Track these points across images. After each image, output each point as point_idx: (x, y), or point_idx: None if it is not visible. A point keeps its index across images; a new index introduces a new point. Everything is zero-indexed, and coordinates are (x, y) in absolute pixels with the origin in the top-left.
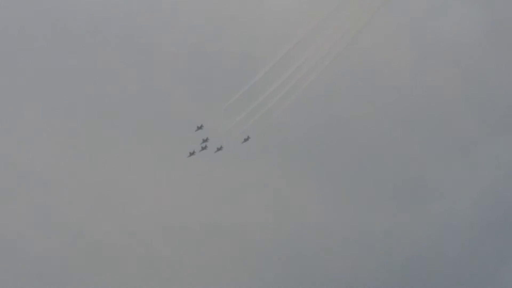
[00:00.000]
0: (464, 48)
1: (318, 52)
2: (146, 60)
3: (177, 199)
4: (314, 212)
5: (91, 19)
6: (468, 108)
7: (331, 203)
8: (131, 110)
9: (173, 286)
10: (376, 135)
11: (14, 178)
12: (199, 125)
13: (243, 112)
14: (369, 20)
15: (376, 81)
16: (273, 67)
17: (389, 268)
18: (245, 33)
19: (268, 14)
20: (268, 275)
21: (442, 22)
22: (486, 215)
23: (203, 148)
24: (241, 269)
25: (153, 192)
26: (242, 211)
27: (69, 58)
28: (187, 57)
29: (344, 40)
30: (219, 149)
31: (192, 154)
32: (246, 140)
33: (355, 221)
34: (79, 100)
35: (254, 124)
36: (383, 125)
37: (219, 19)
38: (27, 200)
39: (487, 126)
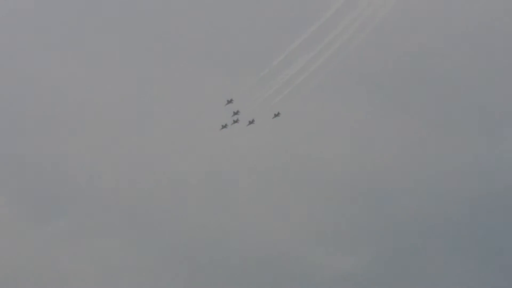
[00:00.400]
0: None
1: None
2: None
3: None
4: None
5: None
6: None
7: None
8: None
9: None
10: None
11: None
12: (229, 99)
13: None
14: None
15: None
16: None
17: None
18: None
19: None
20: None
21: None
22: None
23: (235, 121)
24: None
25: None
26: (329, 144)
27: None
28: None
29: None
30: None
31: (224, 127)
32: (276, 115)
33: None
34: None
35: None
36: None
37: None
38: None
39: None
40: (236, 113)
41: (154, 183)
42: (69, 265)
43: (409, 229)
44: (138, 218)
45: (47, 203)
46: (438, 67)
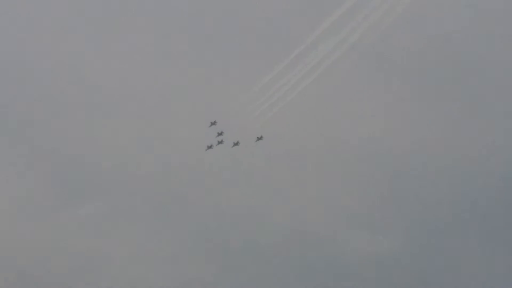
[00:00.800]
0: None
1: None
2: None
3: None
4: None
5: None
6: None
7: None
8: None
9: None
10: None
11: None
12: (213, 121)
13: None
14: None
15: None
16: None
17: None
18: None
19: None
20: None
21: None
22: None
23: (219, 142)
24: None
25: None
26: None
27: None
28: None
29: None
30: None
31: (209, 147)
32: (259, 139)
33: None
34: None
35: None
36: None
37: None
38: None
39: None
40: (220, 133)
41: (187, 167)
42: (99, 249)
43: (442, 211)
44: (168, 202)
45: (76, 187)
46: (472, 49)
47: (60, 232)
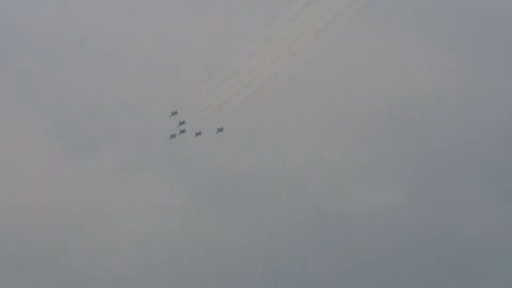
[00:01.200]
0: None
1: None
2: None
3: None
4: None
5: None
6: None
7: None
8: None
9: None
10: None
11: None
12: (174, 111)
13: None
14: None
15: None
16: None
17: None
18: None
19: None
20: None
21: None
22: None
23: (182, 132)
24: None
25: None
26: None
27: None
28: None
29: None
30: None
31: (173, 136)
32: (220, 130)
33: None
34: None
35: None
36: None
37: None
38: None
39: None
40: (182, 123)
41: (199, 118)
42: (111, 199)
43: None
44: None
45: (86, 137)
46: None
47: (65, 184)
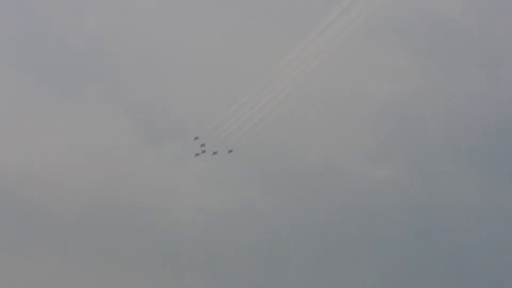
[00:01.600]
0: None
1: None
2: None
3: None
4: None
5: None
6: None
7: None
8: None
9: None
10: None
11: None
12: (196, 136)
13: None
14: None
15: None
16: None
17: None
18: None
19: None
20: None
21: None
22: None
23: (203, 151)
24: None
25: None
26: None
27: None
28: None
29: None
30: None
31: (197, 155)
32: (230, 152)
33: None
34: None
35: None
36: None
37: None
38: None
39: None
40: (202, 145)
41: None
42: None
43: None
44: None
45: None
46: None
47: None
